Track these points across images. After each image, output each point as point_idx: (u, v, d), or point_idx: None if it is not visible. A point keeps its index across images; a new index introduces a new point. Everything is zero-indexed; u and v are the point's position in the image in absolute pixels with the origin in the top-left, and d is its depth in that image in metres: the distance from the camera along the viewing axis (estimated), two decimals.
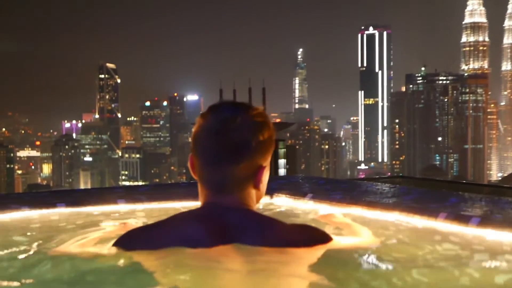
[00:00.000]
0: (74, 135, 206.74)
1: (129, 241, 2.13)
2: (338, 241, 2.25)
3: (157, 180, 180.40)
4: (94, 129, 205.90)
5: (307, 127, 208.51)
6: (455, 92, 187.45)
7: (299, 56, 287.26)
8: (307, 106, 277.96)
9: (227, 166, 2.09)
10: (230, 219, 2.08)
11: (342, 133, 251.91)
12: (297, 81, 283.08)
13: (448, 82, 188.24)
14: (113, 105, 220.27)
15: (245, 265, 1.98)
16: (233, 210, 2.10)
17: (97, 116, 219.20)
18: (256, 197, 2.19)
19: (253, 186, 2.15)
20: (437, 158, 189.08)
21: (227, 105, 2.15)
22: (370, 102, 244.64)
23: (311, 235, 2.17)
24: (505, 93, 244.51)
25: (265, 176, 2.19)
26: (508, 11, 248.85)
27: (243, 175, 2.11)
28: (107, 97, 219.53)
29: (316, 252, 2.11)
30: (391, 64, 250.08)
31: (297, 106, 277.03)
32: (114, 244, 2.14)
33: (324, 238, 2.20)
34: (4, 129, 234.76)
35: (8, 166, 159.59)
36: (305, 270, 2.02)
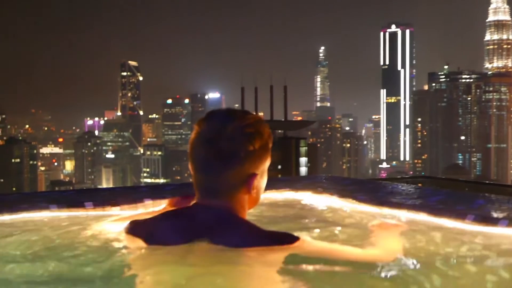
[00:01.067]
0: (96, 132, 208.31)
1: (129, 228, 2.31)
2: (309, 244, 2.23)
3: (179, 177, 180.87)
4: (116, 126, 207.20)
5: (328, 125, 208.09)
6: (478, 90, 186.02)
7: (321, 54, 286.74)
8: (328, 104, 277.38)
9: (216, 174, 2.19)
10: (205, 219, 2.17)
11: (363, 131, 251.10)
12: (318, 79, 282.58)
13: (471, 80, 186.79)
14: (135, 103, 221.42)
15: (205, 263, 2.08)
16: (212, 210, 2.20)
17: (119, 113, 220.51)
18: (249, 202, 2.28)
19: (244, 192, 2.22)
20: (460, 157, 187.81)
21: (221, 114, 2.24)
22: (392, 101, 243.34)
23: (279, 239, 2.19)
24: None
25: (259, 183, 2.26)
26: None
27: (232, 182, 2.19)
28: (129, 94, 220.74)
29: (278, 253, 2.13)
30: (414, 62, 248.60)
31: (318, 104, 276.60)
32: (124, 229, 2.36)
33: (291, 240, 2.19)
34: (27, 126, 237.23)
35: (31, 162, 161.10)
36: (263, 270, 2.07)
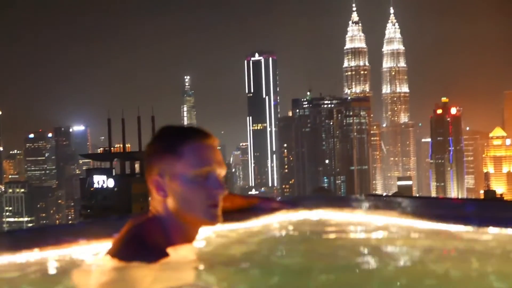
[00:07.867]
0: None
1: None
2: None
3: (44, 214, 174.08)
4: None
5: None
6: (339, 115, 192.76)
7: (187, 84, 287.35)
8: None
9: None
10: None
11: (231, 159, 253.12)
12: (185, 108, 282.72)
13: (333, 106, 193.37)
14: None
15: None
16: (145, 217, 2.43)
17: None
18: (178, 210, 2.29)
19: (154, 196, 2.35)
20: (326, 180, 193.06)
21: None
22: (259, 128, 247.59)
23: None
24: (386, 115, 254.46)
25: (176, 187, 2.28)
26: (386, 37, 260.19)
27: (149, 187, 2.35)
28: None
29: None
30: (278, 89, 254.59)
31: None
32: None
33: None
34: None
35: None
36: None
